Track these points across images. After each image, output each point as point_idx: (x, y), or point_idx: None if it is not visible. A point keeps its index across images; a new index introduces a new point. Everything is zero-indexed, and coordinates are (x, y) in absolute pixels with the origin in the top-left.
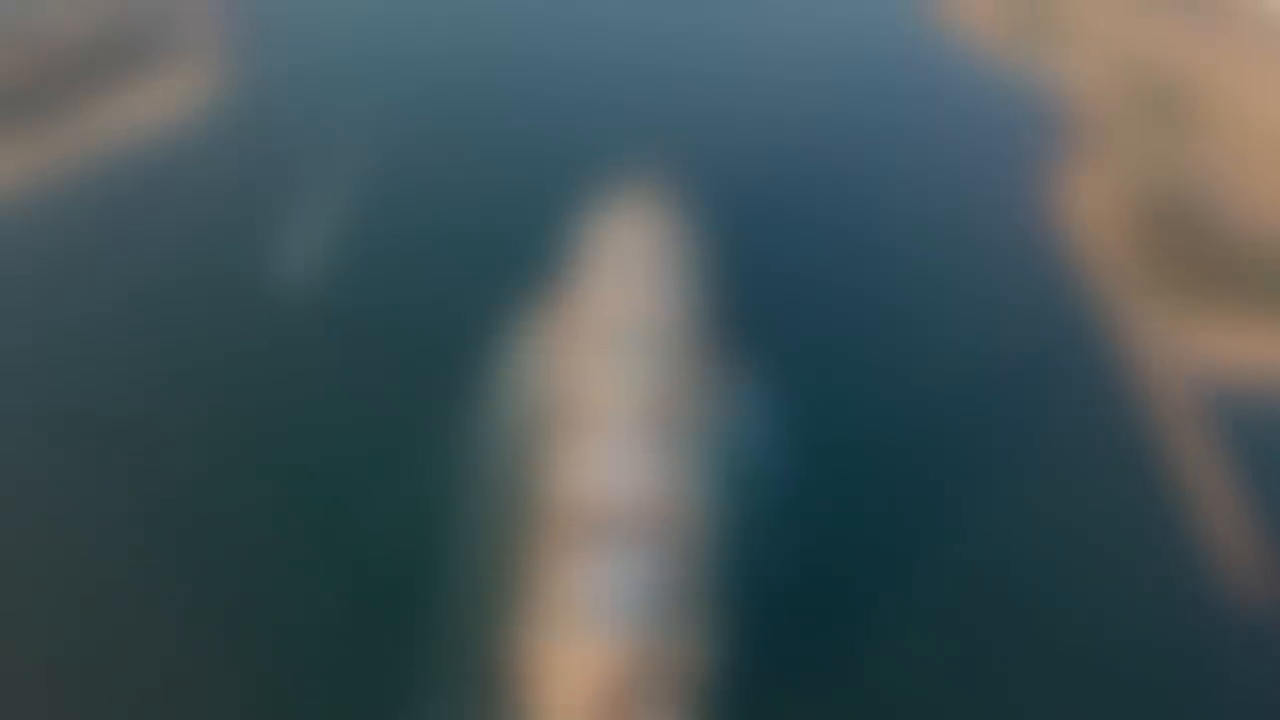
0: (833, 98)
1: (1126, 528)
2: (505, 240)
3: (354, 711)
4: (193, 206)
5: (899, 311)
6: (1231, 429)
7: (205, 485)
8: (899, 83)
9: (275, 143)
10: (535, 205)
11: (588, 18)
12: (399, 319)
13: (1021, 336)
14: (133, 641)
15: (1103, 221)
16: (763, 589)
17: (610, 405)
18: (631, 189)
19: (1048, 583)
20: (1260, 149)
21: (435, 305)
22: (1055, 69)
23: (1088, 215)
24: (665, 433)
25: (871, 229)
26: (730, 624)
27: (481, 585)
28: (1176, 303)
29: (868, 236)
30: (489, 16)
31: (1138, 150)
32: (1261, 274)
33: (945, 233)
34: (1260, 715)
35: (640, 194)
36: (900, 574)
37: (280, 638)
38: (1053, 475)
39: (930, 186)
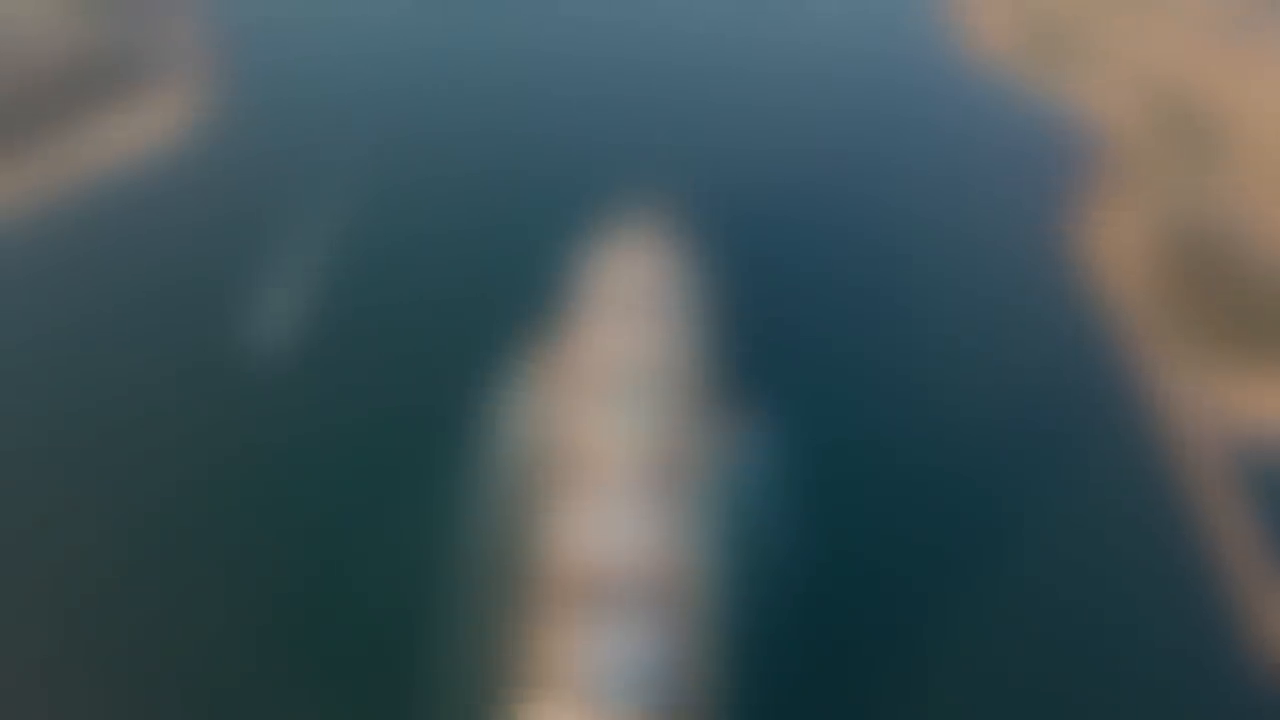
0: (845, 128)
1: (1151, 577)
2: (501, 278)
3: None
4: (171, 246)
5: (915, 355)
6: (1260, 485)
7: (185, 551)
8: (914, 114)
9: (260, 174)
10: (532, 238)
11: (591, 51)
12: (388, 364)
13: (1044, 384)
14: None
15: (1127, 260)
16: (770, 662)
17: (610, 457)
18: (634, 221)
19: (1070, 632)
20: None
21: (427, 348)
22: (1076, 93)
23: (1112, 253)
24: (668, 487)
25: (886, 267)
26: (735, 702)
27: (473, 656)
28: (1204, 350)
29: (882, 276)
30: (480, 43)
31: (1162, 181)
32: None
33: (963, 273)
34: None
35: (643, 226)
36: (913, 643)
37: (268, 711)
38: (1076, 523)
39: (948, 225)
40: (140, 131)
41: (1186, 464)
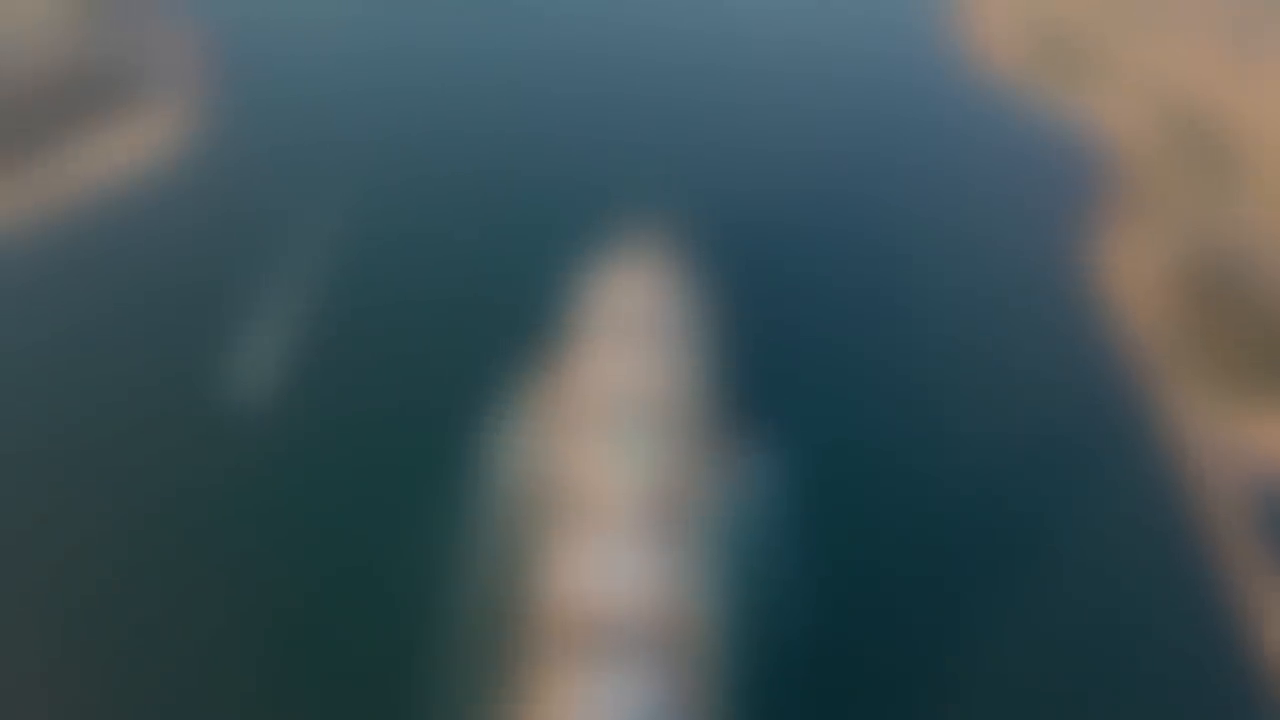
0: (850, 143)
1: (1163, 612)
2: (497, 303)
3: None
4: (167, 257)
5: (924, 384)
6: (1272, 515)
7: (175, 610)
8: (921, 130)
9: (251, 191)
10: (526, 257)
11: (590, 72)
12: (378, 396)
13: (1057, 414)
14: None
15: (1141, 285)
16: (775, 709)
17: (610, 493)
18: (632, 235)
19: (1083, 673)
20: None
21: (418, 378)
22: (1088, 108)
23: (1125, 277)
24: (669, 524)
25: (894, 292)
26: None
27: (470, 702)
28: (1218, 379)
29: (889, 300)
30: (479, 55)
31: (1177, 202)
32: None
33: (973, 298)
34: None
35: (641, 241)
36: (923, 687)
37: None
38: (1087, 560)
39: (957, 248)
40: (134, 143)
41: (1198, 494)
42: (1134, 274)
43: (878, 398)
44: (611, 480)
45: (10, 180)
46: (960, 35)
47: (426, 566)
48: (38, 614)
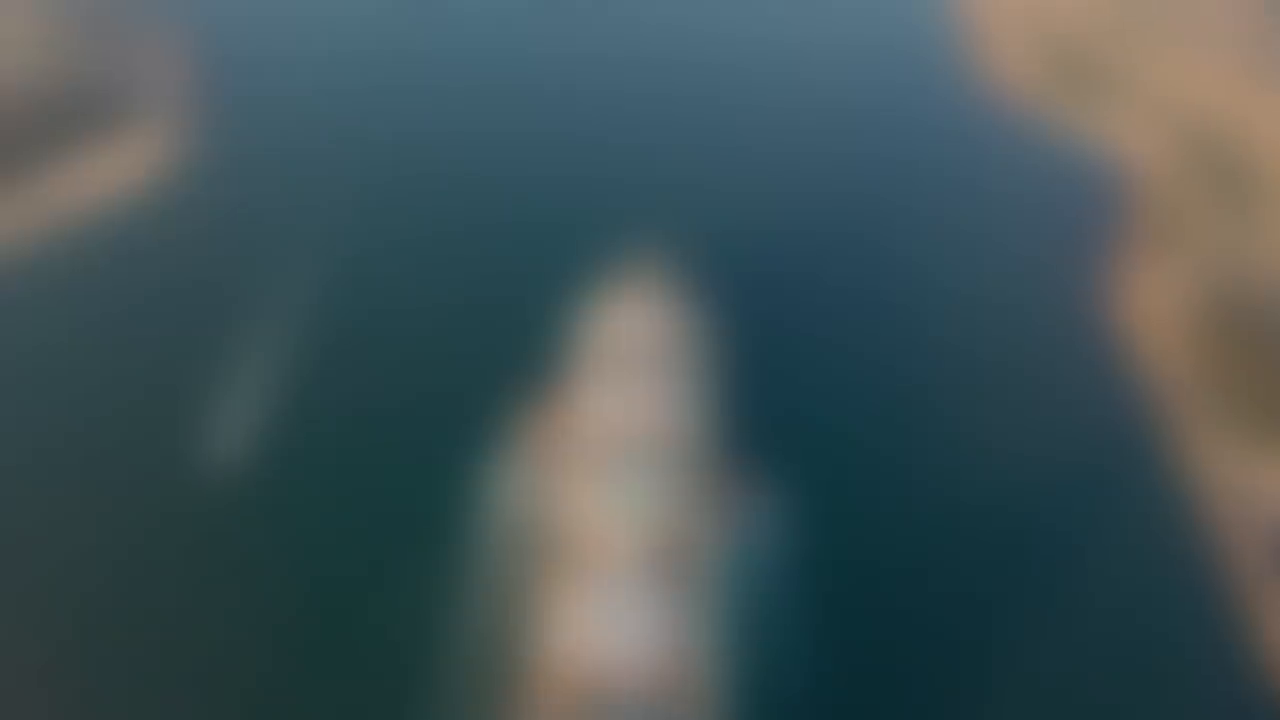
0: (855, 169)
1: (1179, 656)
2: (489, 336)
3: None
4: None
5: (936, 419)
6: None
7: (169, 660)
8: (929, 154)
9: (237, 231)
10: (522, 289)
11: (586, 84)
12: (371, 434)
13: (1071, 459)
14: None
15: (1162, 323)
16: None
17: (610, 541)
18: (633, 266)
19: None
20: None
21: (413, 415)
22: (1103, 131)
23: (1144, 314)
24: (672, 575)
25: (901, 324)
26: None
27: None
28: (1246, 430)
29: (898, 333)
30: (470, 88)
31: (1200, 234)
32: None
33: (983, 336)
34: None
35: (642, 272)
36: None
37: None
38: (1102, 606)
39: (967, 280)
40: (125, 161)
41: (1218, 543)
42: (1154, 309)
43: (890, 434)
44: (611, 524)
45: None
46: (970, 55)
47: (415, 620)
48: (35, 619)
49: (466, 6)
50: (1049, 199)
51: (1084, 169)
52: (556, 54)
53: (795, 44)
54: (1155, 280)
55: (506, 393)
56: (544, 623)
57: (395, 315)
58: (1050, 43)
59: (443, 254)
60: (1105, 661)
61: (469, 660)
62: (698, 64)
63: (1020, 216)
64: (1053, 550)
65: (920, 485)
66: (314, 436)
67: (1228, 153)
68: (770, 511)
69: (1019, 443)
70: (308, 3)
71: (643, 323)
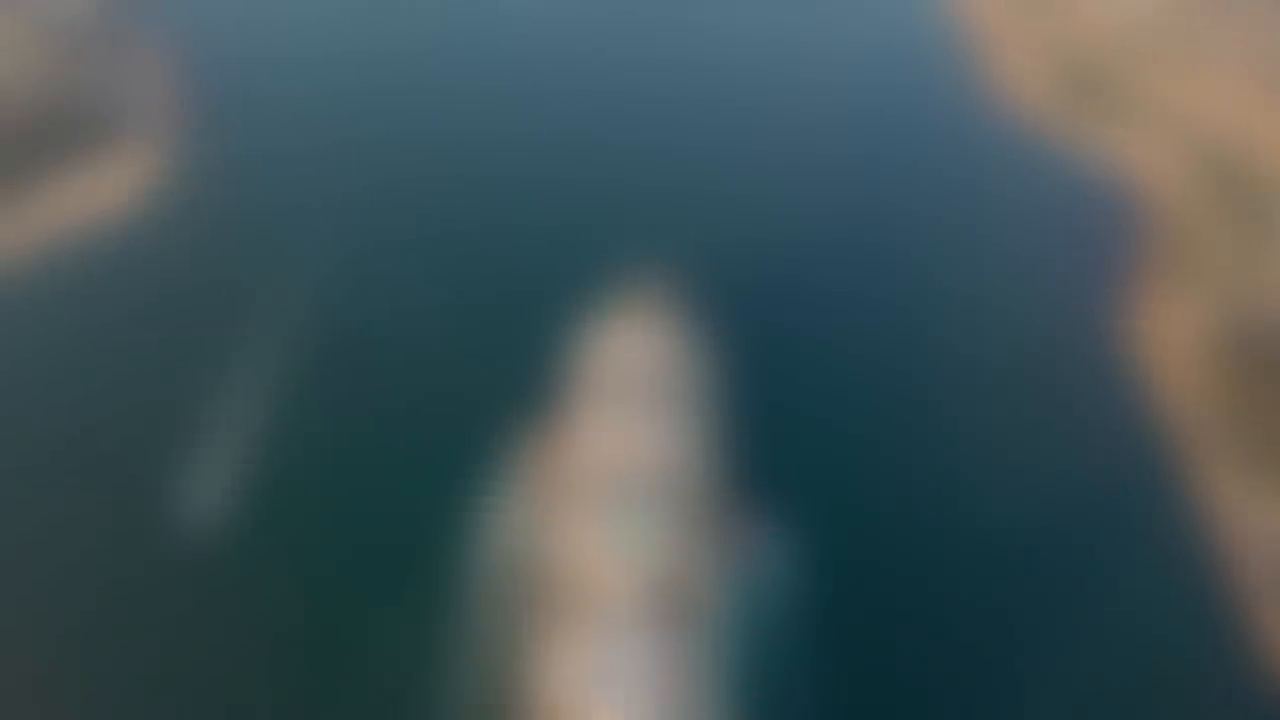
0: (863, 191)
1: (1179, 657)
2: (485, 369)
3: None
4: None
5: (943, 452)
6: None
7: (166, 668)
8: (939, 175)
9: (235, 237)
10: (518, 316)
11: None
12: (365, 470)
13: (1083, 493)
14: None
15: (1180, 357)
16: None
17: (607, 584)
18: (632, 291)
19: None
20: None
21: (408, 450)
22: (1117, 152)
23: (1160, 343)
24: (671, 619)
25: (912, 349)
26: None
27: None
28: (1258, 459)
29: (908, 359)
30: (469, 96)
31: (1217, 260)
32: None
33: (998, 364)
34: None
35: (641, 298)
36: None
37: None
38: (1109, 610)
39: (977, 305)
40: (118, 180)
41: (1232, 579)
42: (1168, 334)
43: (894, 468)
44: (610, 571)
45: None
46: (981, 75)
47: (408, 664)
48: (33, 629)
49: (467, 6)
50: (1063, 222)
51: (1098, 192)
52: (556, 54)
53: (804, 67)
54: (1171, 306)
55: (505, 414)
56: (540, 670)
57: (395, 316)
58: (1063, 63)
59: (442, 255)
60: (1106, 662)
61: (462, 698)
62: (704, 78)
63: (1033, 241)
64: (1065, 597)
65: (926, 516)
66: (313, 450)
67: (1246, 175)
68: (770, 548)
69: (1028, 474)
70: (308, 3)
71: (643, 351)
